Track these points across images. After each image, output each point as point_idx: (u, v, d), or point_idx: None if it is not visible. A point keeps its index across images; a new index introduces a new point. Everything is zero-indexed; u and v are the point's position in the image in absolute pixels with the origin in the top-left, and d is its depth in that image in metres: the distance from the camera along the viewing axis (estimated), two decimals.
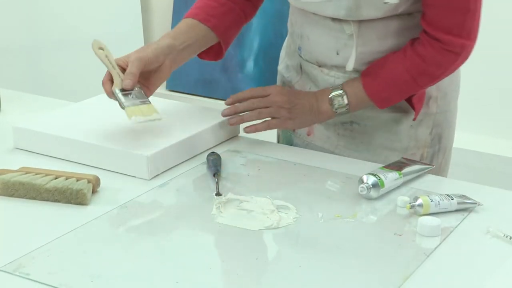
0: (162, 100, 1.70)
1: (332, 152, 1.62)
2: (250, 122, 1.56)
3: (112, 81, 1.46)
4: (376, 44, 1.52)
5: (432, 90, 1.59)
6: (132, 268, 1.12)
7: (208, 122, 1.56)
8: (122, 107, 1.43)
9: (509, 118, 3.05)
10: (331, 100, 1.53)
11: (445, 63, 1.48)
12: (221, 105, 3.63)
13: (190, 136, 1.51)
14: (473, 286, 1.10)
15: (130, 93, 1.44)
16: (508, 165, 2.92)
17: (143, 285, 1.08)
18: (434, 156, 1.64)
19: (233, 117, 1.55)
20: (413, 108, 1.55)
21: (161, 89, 3.62)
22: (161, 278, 1.09)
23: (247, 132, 1.53)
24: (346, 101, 1.52)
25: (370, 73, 1.52)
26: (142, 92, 1.47)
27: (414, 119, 1.57)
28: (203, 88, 3.50)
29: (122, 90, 1.44)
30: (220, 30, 1.60)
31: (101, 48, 1.49)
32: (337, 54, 1.55)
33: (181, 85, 3.55)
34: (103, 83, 1.46)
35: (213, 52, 1.65)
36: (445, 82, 1.60)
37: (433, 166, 1.50)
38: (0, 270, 1.10)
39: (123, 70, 1.47)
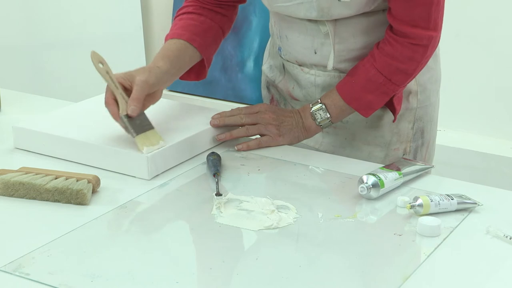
0: (162, 100, 1.69)
1: (317, 149, 1.64)
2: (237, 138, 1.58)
3: (116, 101, 1.44)
4: (352, 42, 1.54)
5: (411, 85, 1.61)
6: (132, 268, 1.12)
7: (208, 122, 1.56)
8: (132, 135, 1.42)
9: (509, 118, 3.05)
10: (313, 115, 1.55)
11: (416, 57, 1.50)
12: (221, 105, 3.64)
13: (190, 136, 1.51)
14: (473, 286, 1.10)
15: (133, 118, 1.43)
16: (508, 165, 2.92)
17: (143, 285, 1.07)
18: (417, 151, 1.66)
19: (222, 133, 1.56)
20: (394, 108, 1.57)
21: None
22: (161, 278, 1.09)
23: (239, 150, 1.54)
24: (327, 114, 1.54)
25: (345, 82, 1.54)
26: (145, 115, 1.46)
27: (394, 121, 1.59)
28: (203, 88, 3.49)
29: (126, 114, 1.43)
30: (204, 49, 1.61)
31: (100, 63, 1.46)
32: (315, 53, 1.57)
33: (181, 85, 3.55)
34: (107, 104, 1.44)
35: (194, 72, 1.66)
36: (424, 76, 1.62)
37: (433, 166, 1.51)
38: (0, 270, 1.10)
39: (124, 89, 1.46)
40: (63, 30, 3.25)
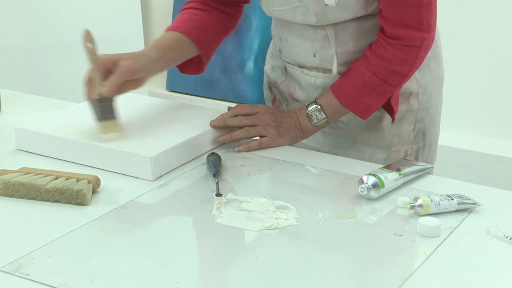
0: (163, 101, 1.70)
1: (319, 150, 1.63)
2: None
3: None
4: (351, 45, 1.55)
5: (412, 86, 1.61)
6: (132, 268, 1.12)
7: (209, 124, 1.56)
8: (96, 120, 1.46)
9: (509, 118, 3.05)
10: (309, 116, 1.56)
11: (410, 59, 1.49)
12: (221, 105, 3.64)
13: (193, 137, 1.51)
14: (473, 286, 1.10)
15: (104, 103, 1.46)
16: (508, 165, 2.93)
17: (143, 285, 1.08)
18: (419, 152, 1.66)
19: (222, 135, 1.56)
20: (392, 109, 1.56)
21: (161, 89, 3.63)
22: (161, 278, 1.09)
23: (240, 151, 1.54)
24: (323, 115, 1.55)
25: (340, 85, 1.54)
26: (115, 104, 1.48)
27: (392, 122, 1.59)
28: (203, 88, 3.49)
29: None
30: (202, 43, 1.62)
31: (90, 42, 1.47)
32: (314, 56, 1.58)
33: (181, 85, 3.55)
34: (85, 83, 1.48)
35: (194, 66, 1.67)
36: (425, 78, 1.62)
37: (433, 166, 1.51)
38: (0, 271, 1.10)
39: (107, 70, 1.48)
40: (63, 30, 3.25)
